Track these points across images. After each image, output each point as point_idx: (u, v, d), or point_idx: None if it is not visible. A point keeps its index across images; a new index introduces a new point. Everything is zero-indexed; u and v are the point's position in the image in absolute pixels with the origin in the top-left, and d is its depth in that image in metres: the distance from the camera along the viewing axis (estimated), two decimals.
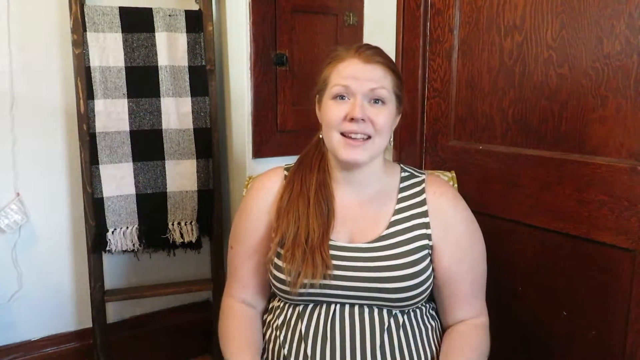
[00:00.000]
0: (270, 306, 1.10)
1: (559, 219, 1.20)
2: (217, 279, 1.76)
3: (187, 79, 1.66)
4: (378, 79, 0.94)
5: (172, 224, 1.70)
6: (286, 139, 1.65)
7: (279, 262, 0.99)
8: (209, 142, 1.70)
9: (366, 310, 0.97)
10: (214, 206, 1.74)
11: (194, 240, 1.72)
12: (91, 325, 1.66)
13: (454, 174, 1.28)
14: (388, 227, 1.00)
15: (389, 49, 1.63)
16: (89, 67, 1.55)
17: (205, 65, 1.68)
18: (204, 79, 1.68)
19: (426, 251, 0.99)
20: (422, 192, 1.04)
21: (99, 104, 1.56)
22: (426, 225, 1.00)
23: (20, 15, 1.55)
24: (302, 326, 0.98)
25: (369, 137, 0.95)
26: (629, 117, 1.07)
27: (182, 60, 1.65)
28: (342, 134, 0.95)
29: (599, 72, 1.11)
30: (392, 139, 1.05)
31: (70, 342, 1.75)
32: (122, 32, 1.58)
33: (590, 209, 1.14)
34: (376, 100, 0.95)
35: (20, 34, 1.56)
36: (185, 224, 1.71)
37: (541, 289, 1.27)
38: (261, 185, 1.08)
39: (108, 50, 1.56)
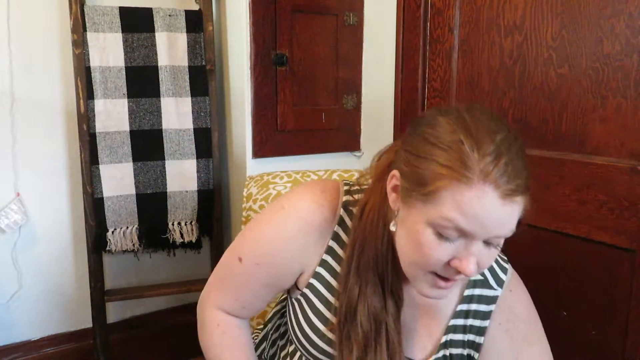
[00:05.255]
0: (284, 330, 0.97)
1: (559, 219, 1.20)
2: None
3: (187, 79, 1.65)
4: (510, 222, 0.64)
5: (172, 224, 1.70)
6: (286, 139, 1.64)
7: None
8: (209, 142, 1.70)
9: None
10: (214, 206, 1.74)
11: (194, 240, 1.72)
12: (91, 325, 1.66)
13: None
14: (438, 351, 0.80)
15: (389, 49, 1.63)
16: (89, 67, 1.55)
17: (205, 65, 1.68)
18: (204, 79, 1.68)
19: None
20: (489, 314, 0.82)
21: (99, 104, 1.56)
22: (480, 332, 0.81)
23: (20, 15, 1.55)
24: None
25: None
26: (629, 117, 1.07)
27: (182, 60, 1.65)
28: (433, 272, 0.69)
29: (599, 72, 1.11)
30: None
31: (70, 342, 1.75)
32: (122, 32, 1.58)
33: (590, 209, 1.14)
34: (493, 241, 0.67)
35: (20, 34, 1.56)
36: (185, 224, 1.71)
37: (541, 289, 1.26)
38: (311, 217, 0.81)
39: (108, 50, 1.56)
